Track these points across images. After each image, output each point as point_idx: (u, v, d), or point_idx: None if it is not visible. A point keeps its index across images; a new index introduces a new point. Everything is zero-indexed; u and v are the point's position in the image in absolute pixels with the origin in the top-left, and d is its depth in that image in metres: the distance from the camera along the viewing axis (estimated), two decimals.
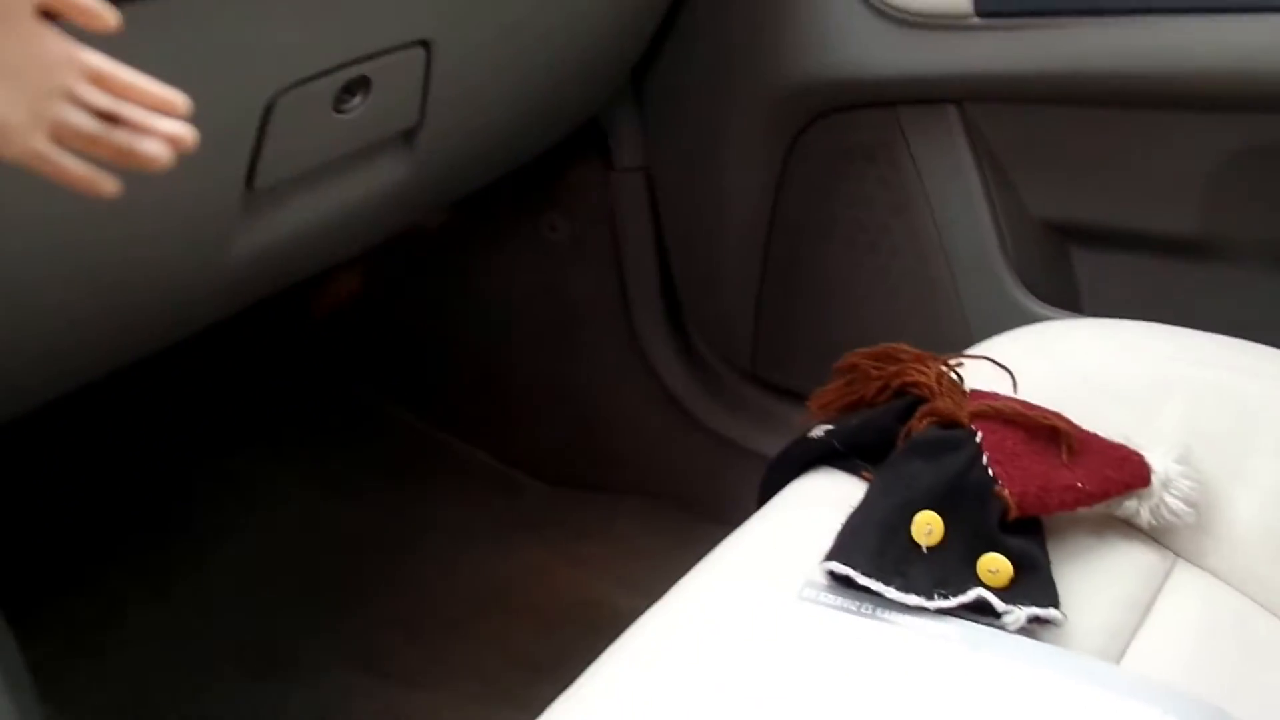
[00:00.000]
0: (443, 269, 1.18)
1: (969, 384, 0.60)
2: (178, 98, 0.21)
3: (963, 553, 0.52)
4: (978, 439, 0.55)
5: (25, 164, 0.19)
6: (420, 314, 1.23)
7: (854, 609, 0.51)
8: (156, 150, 0.21)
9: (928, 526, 0.52)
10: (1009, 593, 0.50)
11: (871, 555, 0.52)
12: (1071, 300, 0.89)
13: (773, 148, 0.95)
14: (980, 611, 0.50)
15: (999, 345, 0.65)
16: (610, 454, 1.15)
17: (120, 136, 0.20)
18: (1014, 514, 0.52)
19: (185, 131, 0.22)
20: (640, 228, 1.06)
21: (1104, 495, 0.54)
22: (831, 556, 0.52)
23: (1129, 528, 0.57)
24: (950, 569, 0.51)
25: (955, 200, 0.86)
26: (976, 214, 0.85)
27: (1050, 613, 0.50)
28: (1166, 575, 0.56)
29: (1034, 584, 0.51)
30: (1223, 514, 0.57)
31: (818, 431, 0.62)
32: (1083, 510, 0.56)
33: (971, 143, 0.84)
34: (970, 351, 0.66)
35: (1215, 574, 0.56)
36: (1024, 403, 0.57)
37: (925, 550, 0.52)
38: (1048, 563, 0.52)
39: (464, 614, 1.03)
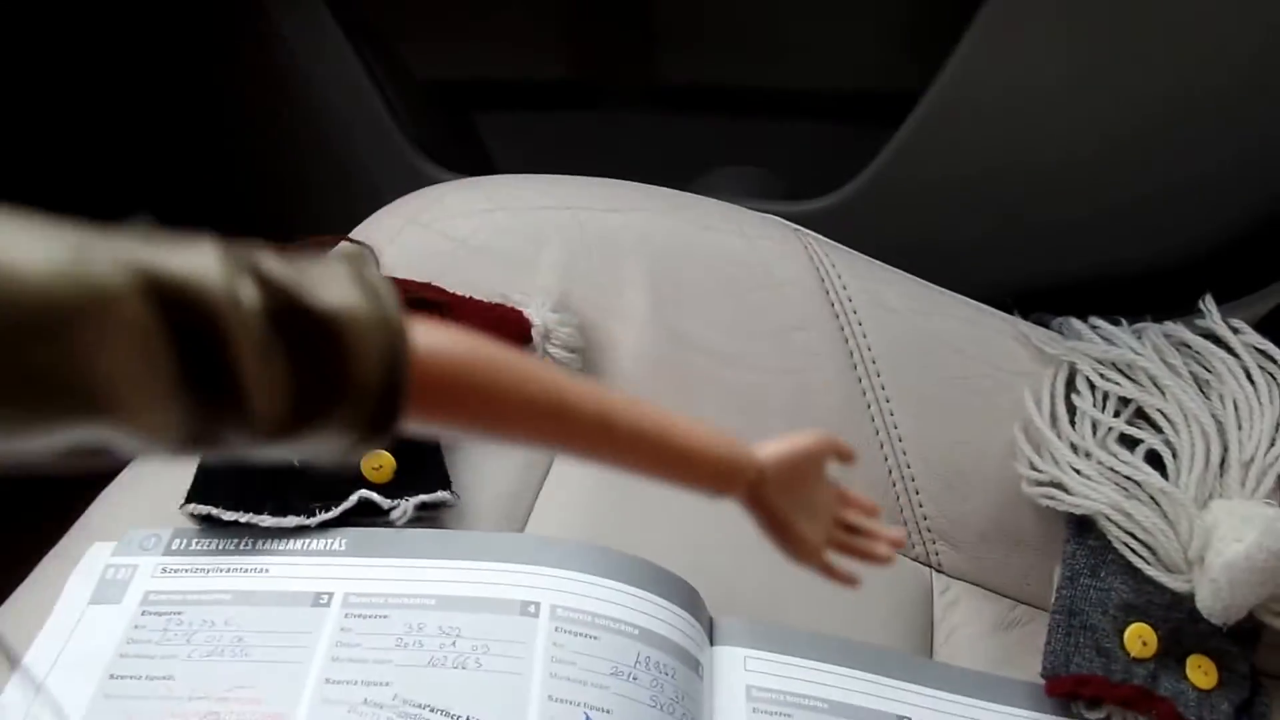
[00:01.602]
0: None
1: None
2: (878, 507, 0.27)
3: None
4: None
5: (816, 569, 0.26)
6: None
7: (226, 552, 0.44)
8: (886, 551, 0.26)
9: None
10: (394, 486, 0.46)
11: (234, 484, 0.45)
12: (483, 165, 0.87)
13: None
14: (369, 514, 0.46)
15: (374, 222, 0.60)
16: None
17: (863, 543, 0.26)
18: None
19: (902, 537, 0.27)
20: None
21: None
22: (189, 499, 0.44)
23: None
24: (329, 477, 0.46)
25: (334, 75, 0.79)
26: (359, 84, 0.78)
27: (440, 495, 0.46)
28: None
29: (422, 472, 0.47)
30: (608, 352, 0.57)
31: None
32: None
33: (335, 14, 0.77)
34: (354, 234, 0.60)
35: None
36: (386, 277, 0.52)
37: (296, 463, 0.46)
38: (436, 445, 0.49)
39: None
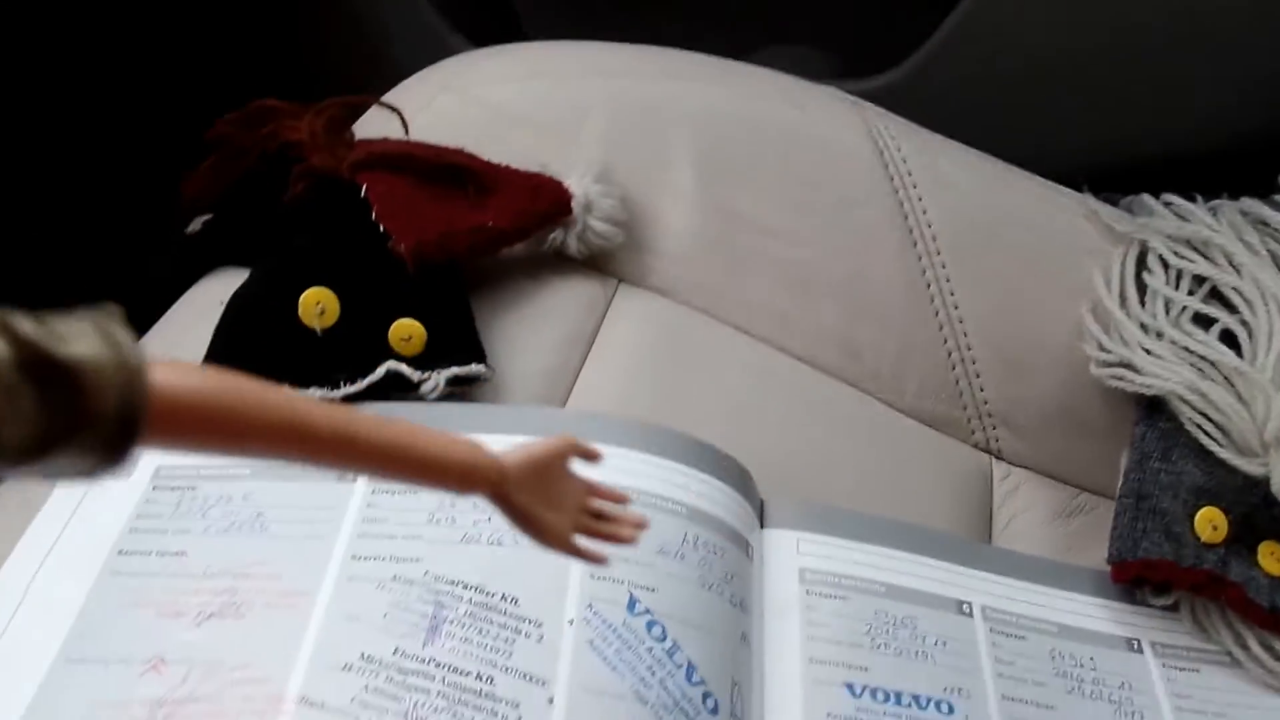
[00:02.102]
0: None
1: (366, 134, 0.51)
2: (627, 495, 0.29)
3: (367, 327, 0.44)
4: (362, 192, 0.46)
5: (564, 553, 0.28)
6: None
7: None
8: (630, 533, 0.28)
9: (318, 305, 0.43)
10: (424, 358, 0.43)
11: (253, 353, 0.42)
12: (514, 34, 0.83)
13: None
14: (397, 388, 0.43)
15: (405, 89, 0.56)
16: None
17: (609, 527, 0.28)
18: (412, 267, 0.44)
19: (645, 519, 0.29)
20: None
21: (522, 230, 0.48)
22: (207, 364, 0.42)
23: (565, 262, 0.52)
24: (354, 348, 0.43)
25: None
26: None
27: (474, 369, 0.44)
28: (609, 302, 0.52)
29: (454, 343, 0.44)
30: (654, 228, 0.54)
31: (196, 225, 0.50)
32: (511, 253, 0.51)
33: None
34: (385, 99, 0.57)
35: (658, 291, 0.53)
36: (417, 144, 0.49)
37: (320, 333, 0.43)
38: (469, 317, 0.46)
39: None
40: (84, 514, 0.39)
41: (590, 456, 0.29)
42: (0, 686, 0.34)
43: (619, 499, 0.29)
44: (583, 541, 0.28)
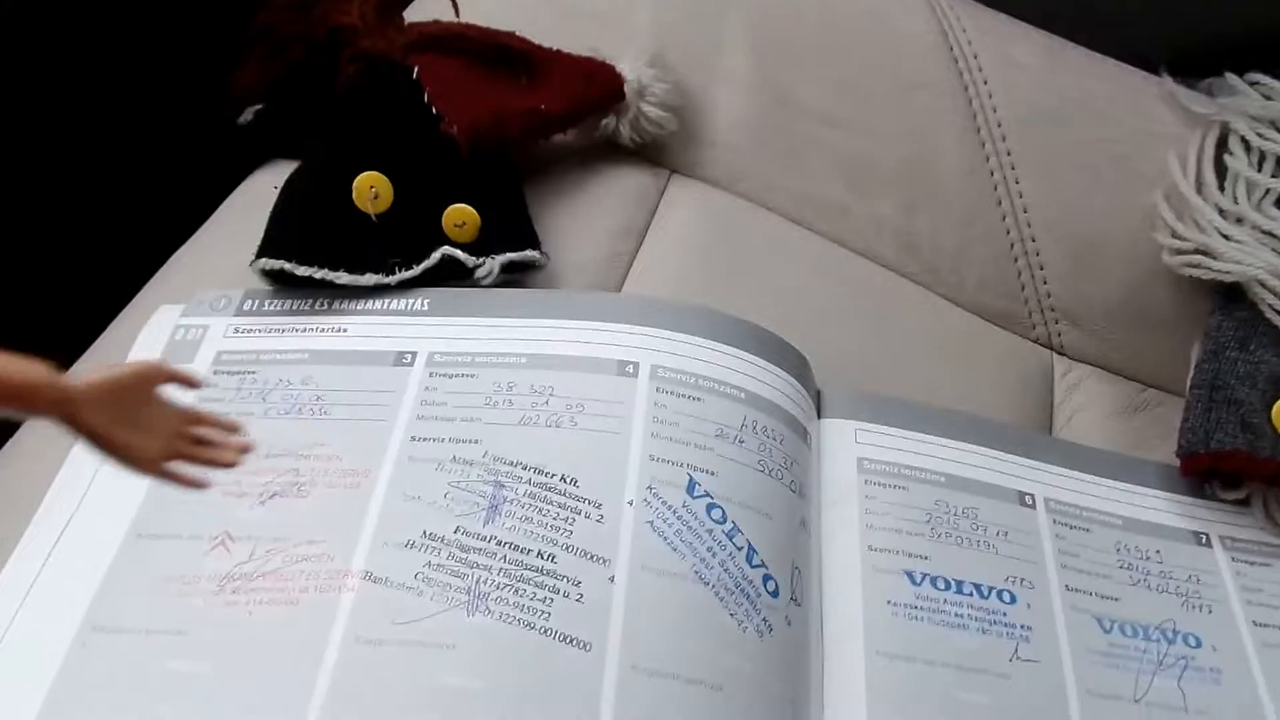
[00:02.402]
0: None
1: (415, 17, 0.50)
2: (240, 425, 0.29)
3: (421, 212, 0.43)
4: (414, 74, 0.45)
5: (153, 476, 0.27)
6: None
7: (301, 312, 0.42)
8: (233, 457, 0.28)
9: (372, 190, 0.43)
10: (478, 244, 0.43)
11: (308, 238, 0.42)
12: None
13: None
14: (453, 274, 0.43)
15: None
16: None
17: (209, 452, 0.28)
18: (465, 148, 0.43)
19: (251, 444, 0.28)
20: None
21: (574, 114, 0.47)
22: (260, 254, 0.42)
23: (617, 151, 0.51)
24: (408, 233, 0.43)
25: None
26: None
27: (528, 254, 0.43)
28: (661, 193, 0.51)
29: (508, 229, 0.44)
30: (707, 117, 0.52)
31: (247, 116, 0.50)
32: (564, 142, 0.50)
33: None
34: None
35: (709, 182, 0.52)
36: (470, 25, 0.48)
37: (375, 219, 0.43)
38: (523, 203, 0.45)
39: None
40: None
41: (187, 383, 0.28)
42: (76, 560, 0.34)
43: (227, 426, 0.28)
44: (177, 466, 0.27)
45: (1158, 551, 0.43)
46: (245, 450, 0.28)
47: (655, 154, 0.52)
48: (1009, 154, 0.50)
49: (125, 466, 0.26)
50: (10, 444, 0.39)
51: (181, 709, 0.31)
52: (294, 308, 0.42)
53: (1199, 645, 0.41)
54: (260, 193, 0.47)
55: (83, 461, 0.37)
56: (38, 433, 0.39)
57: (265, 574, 0.34)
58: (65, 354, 0.43)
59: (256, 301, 0.42)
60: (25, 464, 0.38)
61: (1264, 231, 0.45)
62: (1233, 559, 0.43)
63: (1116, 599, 0.41)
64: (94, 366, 0.27)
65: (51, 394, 0.24)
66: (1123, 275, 0.50)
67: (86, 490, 0.36)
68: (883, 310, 0.49)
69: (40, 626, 0.33)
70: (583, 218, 0.48)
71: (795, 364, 0.42)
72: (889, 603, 0.39)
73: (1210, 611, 0.42)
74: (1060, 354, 0.51)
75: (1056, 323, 0.51)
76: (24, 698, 0.31)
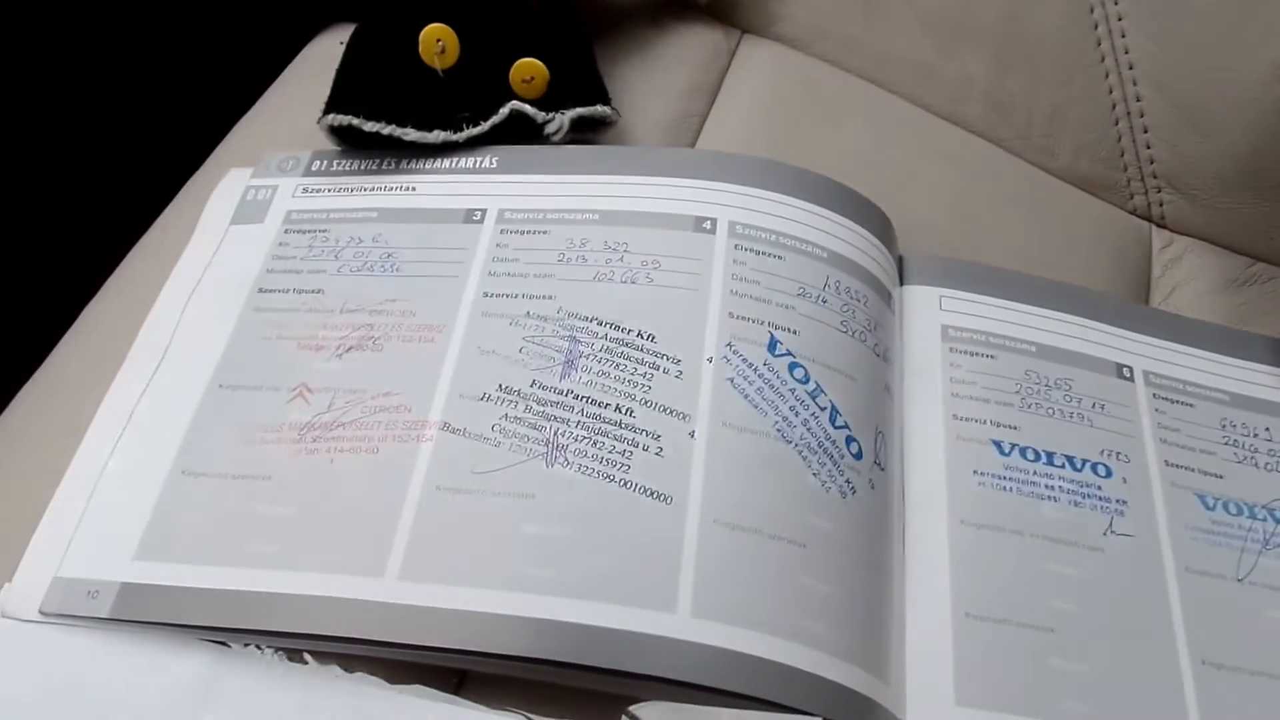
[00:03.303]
0: None
1: None
2: None
3: (488, 67, 0.41)
4: None
5: None
6: None
7: (369, 171, 0.41)
8: None
9: (439, 43, 0.41)
10: (547, 99, 0.41)
11: (375, 94, 0.40)
12: None
13: None
14: (522, 130, 0.41)
15: None
16: None
17: None
18: (535, 1, 0.41)
19: None
20: None
21: None
22: (327, 109, 0.40)
23: (687, 10, 0.49)
24: (476, 89, 0.41)
25: None
26: None
27: (599, 110, 0.41)
28: (732, 54, 0.49)
29: (577, 84, 0.42)
30: None
31: None
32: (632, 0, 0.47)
33: None
34: None
35: (785, 41, 0.49)
36: None
37: (441, 74, 0.41)
38: (592, 58, 0.43)
39: None
40: (223, 256, 0.39)
41: None
42: (164, 408, 0.34)
43: None
44: None
45: (1267, 429, 0.41)
46: None
47: (727, 12, 0.49)
48: (1116, 2, 0.47)
49: None
50: (97, 298, 0.39)
51: (269, 549, 0.30)
52: (362, 167, 0.41)
53: None
54: (325, 56, 0.46)
55: (165, 314, 0.37)
56: (124, 281, 0.39)
57: (344, 424, 0.33)
58: (137, 223, 0.43)
59: (325, 162, 0.41)
60: (112, 316, 0.38)
61: None
62: None
63: (1220, 476, 0.39)
64: None
65: None
66: (1239, 136, 0.46)
67: (169, 342, 0.36)
68: (968, 176, 0.47)
69: (133, 468, 0.33)
70: (653, 77, 0.46)
71: (879, 224, 0.40)
72: (975, 472, 0.37)
73: None
74: (1160, 226, 0.48)
75: (1159, 191, 0.48)
76: (122, 536, 0.31)
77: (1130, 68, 0.47)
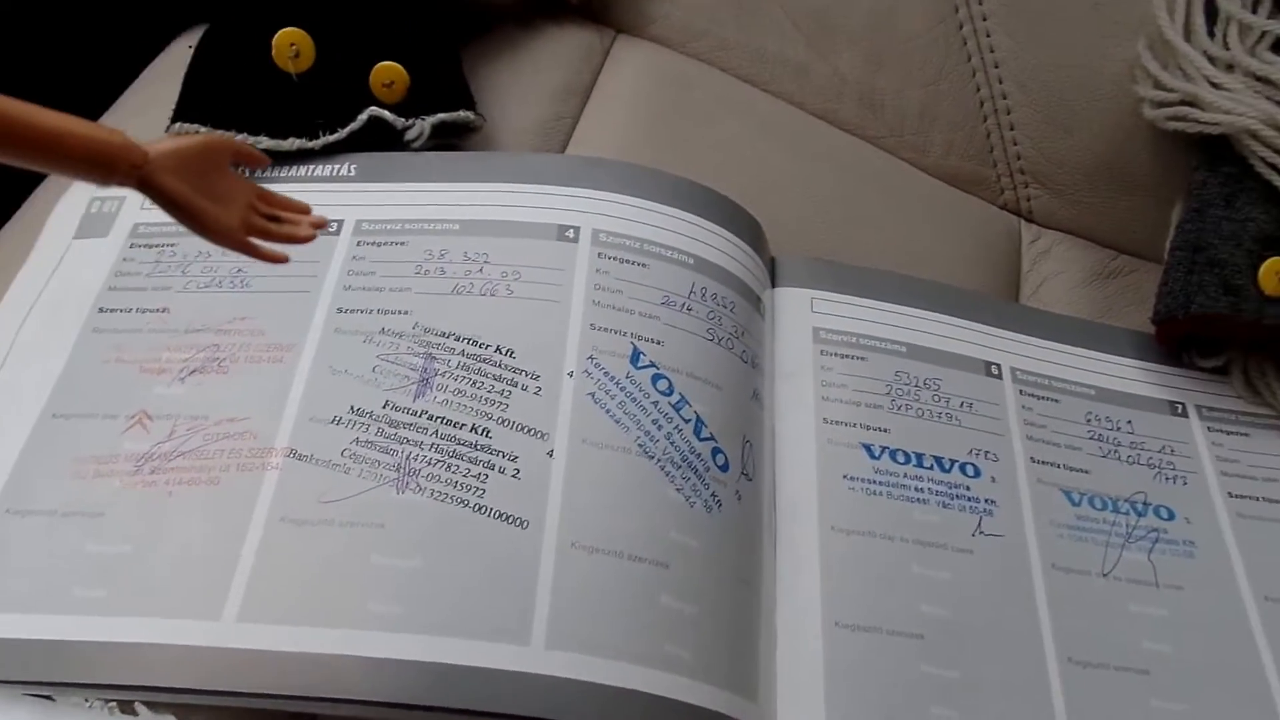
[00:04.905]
0: None
1: None
2: (308, 205, 0.28)
3: (346, 71, 0.40)
4: None
5: (237, 249, 0.26)
6: None
7: None
8: (308, 232, 0.27)
9: (292, 47, 0.39)
10: (408, 105, 0.40)
11: (226, 101, 0.38)
12: None
13: None
14: (382, 137, 0.40)
15: None
16: None
17: (286, 228, 0.27)
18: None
19: (321, 219, 0.28)
20: None
21: None
22: (175, 118, 0.38)
23: (559, 8, 0.48)
24: (333, 94, 0.40)
25: None
26: None
27: (462, 115, 0.40)
28: (606, 54, 0.48)
29: (440, 88, 0.41)
30: None
31: None
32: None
33: None
34: None
35: (658, 41, 0.49)
36: None
37: (296, 79, 0.39)
38: (457, 61, 0.42)
39: None
40: (64, 273, 0.37)
41: (254, 161, 0.27)
42: None
43: (298, 207, 0.27)
44: (258, 242, 0.26)
45: (1129, 422, 0.42)
46: (320, 226, 0.27)
47: (599, 12, 0.49)
48: (980, 3, 0.47)
49: (207, 235, 0.25)
50: None
51: (97, 594, 0.29)
52: None
53: (1171, 518, 0.39)
54: (181, 59, 0.44)
55: None
56: None
57: (185, 453, 0.32)
58: None
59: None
60: None
61: (1258, 78, 0.42)
62: (1209, 429, 0.42)
63: (1086, 471, 0.40)
64: (160, 138, 0.25)
65: (133, 155, 0.23)
66: (1100, 133, 0.47)
67: (0, 367, 0.34)
68: (842, 175, 0.47)
69: None
70: (523, 78, 0.45)
71: (747, 229, 0.40)
72: (845, 477, 0.37)
73: (1184, 483, 0.40)
74: (1029, 220, 0.49)
75: (1026, 186, 0.48)
76: None
77: (996, 66, 0.47)
